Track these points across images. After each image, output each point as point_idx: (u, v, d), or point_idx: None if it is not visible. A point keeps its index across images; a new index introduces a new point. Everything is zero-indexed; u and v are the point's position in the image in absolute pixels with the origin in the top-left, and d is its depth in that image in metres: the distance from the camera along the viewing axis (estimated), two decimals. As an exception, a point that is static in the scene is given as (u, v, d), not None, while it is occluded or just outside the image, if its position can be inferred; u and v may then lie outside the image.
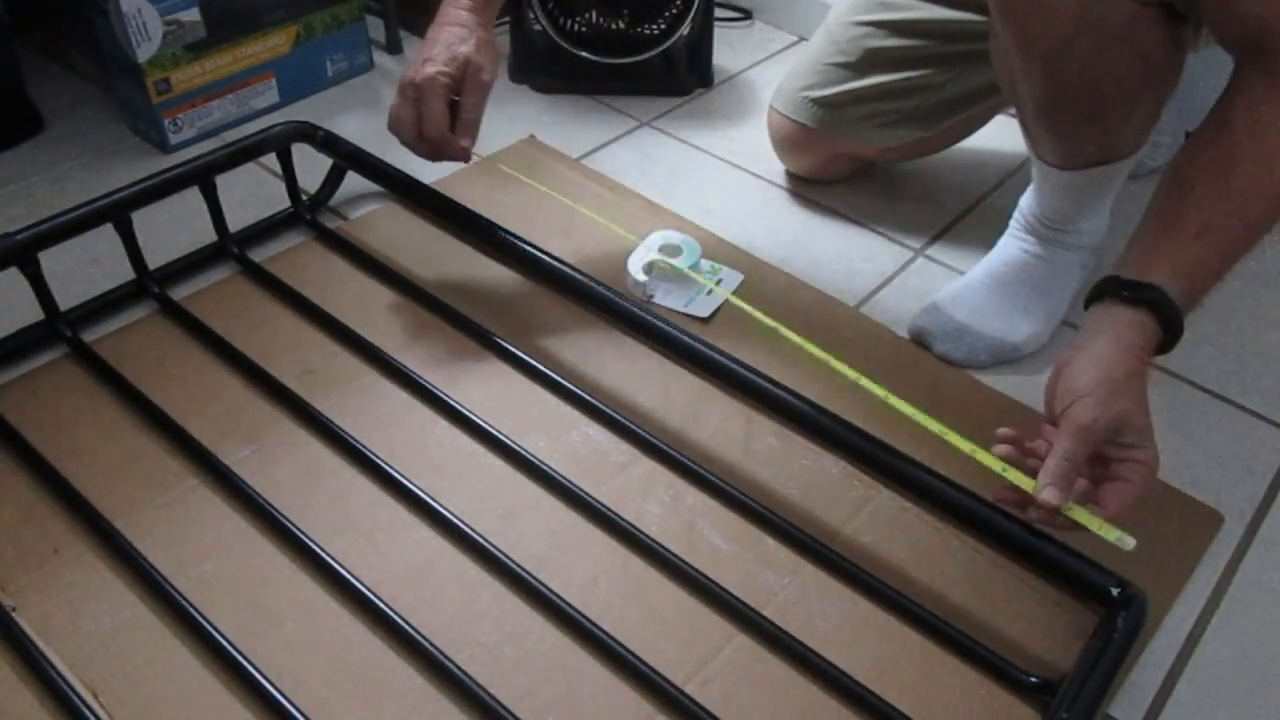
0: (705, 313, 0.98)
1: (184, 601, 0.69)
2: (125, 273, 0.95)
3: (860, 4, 1.05)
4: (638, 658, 0.68)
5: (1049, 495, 0.64)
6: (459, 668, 0.66)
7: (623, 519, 0.77)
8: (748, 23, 1.53)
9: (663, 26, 1.28)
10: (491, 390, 0.88)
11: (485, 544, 0.74)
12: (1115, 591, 0.71)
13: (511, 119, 1.27)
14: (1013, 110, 1.31)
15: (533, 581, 0.72)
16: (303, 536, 0.74)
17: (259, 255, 1.01)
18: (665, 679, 0.67)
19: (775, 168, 1.20)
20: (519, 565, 0.73)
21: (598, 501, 0.78)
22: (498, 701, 0.64)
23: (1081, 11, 0.75)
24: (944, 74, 1.03)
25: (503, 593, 0.73)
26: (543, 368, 0.89)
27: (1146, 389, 0.67)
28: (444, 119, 0.87)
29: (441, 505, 0.77)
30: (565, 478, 0.80)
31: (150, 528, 0.75)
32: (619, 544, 0.77)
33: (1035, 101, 0.85)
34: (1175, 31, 0.78)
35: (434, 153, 0.90)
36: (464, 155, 0.90)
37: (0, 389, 0.86)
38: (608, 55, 1.29)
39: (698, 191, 1.16)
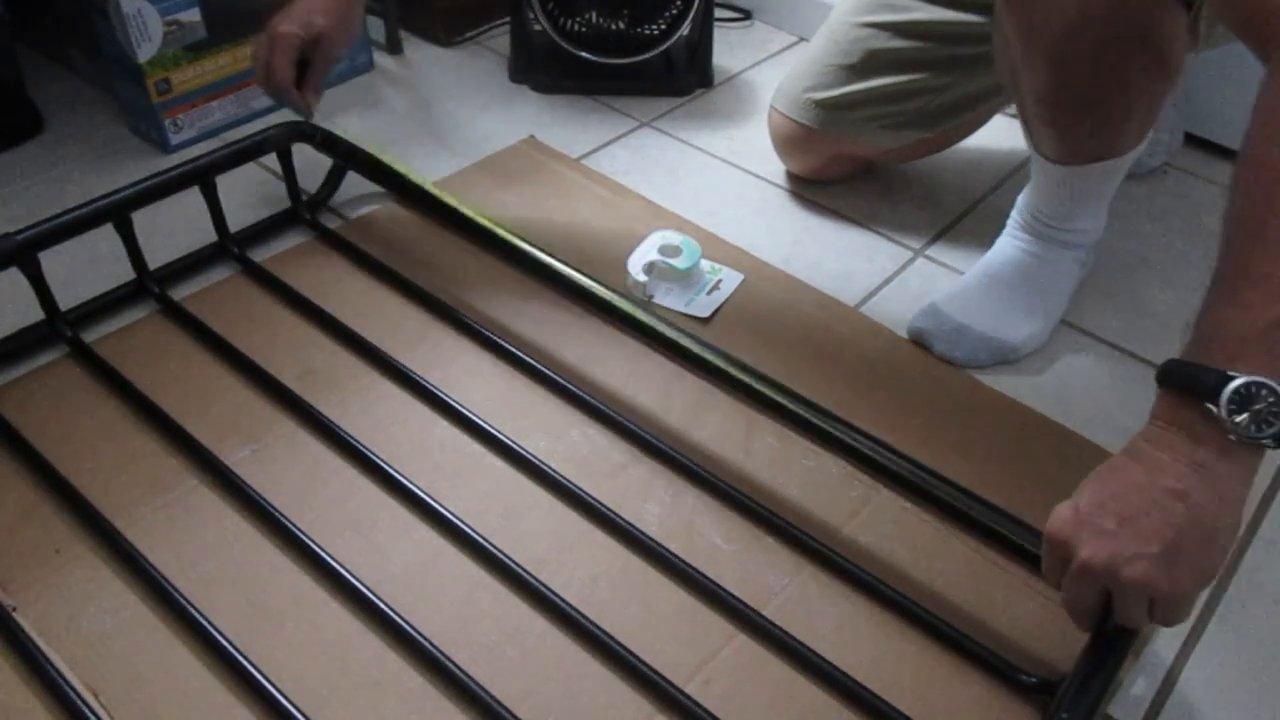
0: (705, 313, 0.98)
1: (184, 601, 0.69)
2: (125, 273, 0.95)
3: (863, 5, 1.05)
4: (638, 658, 0.68)
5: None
6: (459, 668, 0.66)
7: (622, 519, 0.77)
8: (748, 23, 1.53)
9: (663, 27, 1.28)
10: (492, 390, 0.88)
11: (485, 544, 0.74)
12: (1115, 591, 0.70)
13: (511, 119, 1.27)
14: (1012, 110, 1.31)
15: (533, 581, 0.72)
16: (303, 536, 0.74)
17: (259, 255, 1.01)
18: (665, 679, 0.67)
19: (775, 168, 1.20)
20: (519, 565, 0.73)
21: (598, 501, 0.78)
22: (498, 701, 0.65)
23: (1090, 1, 0.74)
24: (947, 77, 1.03)
25: (503, 593, 0.73)
26: (543, 368, 0.89)
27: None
28: (286, 74, 0.98)
29: (441, 505, 0.77)
30: (565, 478, 0.80)
31: (150, 528, 0.76)
32: (619, 544, 0.77)
33: (1036, 94, 0.84)
34: (1182, 23, 0.77)
35: (276, 98, 1.02)
36: (306, 111, 1.02)
37: (0, 389, 0.86)
38: (607, 55, 1.29)
39: (698, 191, 1.16)
